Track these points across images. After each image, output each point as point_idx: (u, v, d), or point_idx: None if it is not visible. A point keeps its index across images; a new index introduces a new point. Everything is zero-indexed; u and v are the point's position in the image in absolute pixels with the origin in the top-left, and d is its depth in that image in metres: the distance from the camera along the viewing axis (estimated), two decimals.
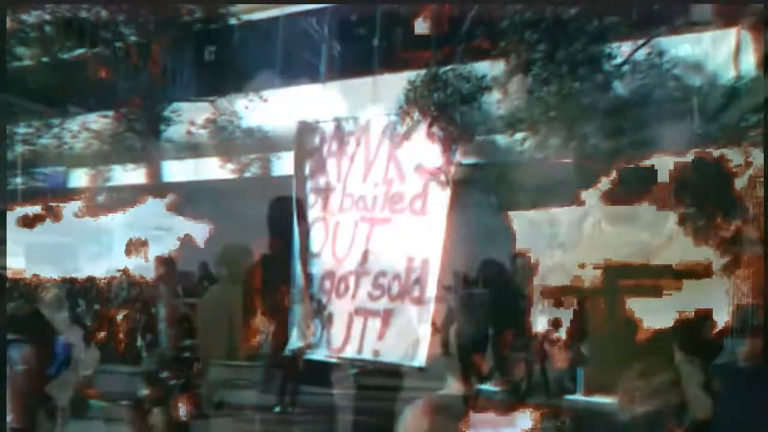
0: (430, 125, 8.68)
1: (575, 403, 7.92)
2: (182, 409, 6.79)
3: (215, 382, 9.20)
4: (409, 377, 7.29)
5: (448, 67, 9.19)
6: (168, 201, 10.02)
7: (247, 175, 11.97)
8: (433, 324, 7.96)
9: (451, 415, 3.66)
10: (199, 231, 9.59)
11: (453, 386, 3.80)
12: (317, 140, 9.51)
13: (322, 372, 10.41)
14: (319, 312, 8.86)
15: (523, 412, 3.57)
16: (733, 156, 6.96)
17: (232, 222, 10.53)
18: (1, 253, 8.73)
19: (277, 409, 9.80)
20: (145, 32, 12.62)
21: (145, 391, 6.98)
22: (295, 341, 9.26)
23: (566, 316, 8.19)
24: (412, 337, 7.98)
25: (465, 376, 3.73)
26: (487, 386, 4.07)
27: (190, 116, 12.48)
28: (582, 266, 7.44)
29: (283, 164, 11.21)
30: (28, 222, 10.44)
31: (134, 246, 9.84)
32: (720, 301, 6.93)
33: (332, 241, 9.04)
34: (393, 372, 8.28)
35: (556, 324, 8.22)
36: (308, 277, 9.14)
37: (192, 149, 12.54)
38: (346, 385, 9.95)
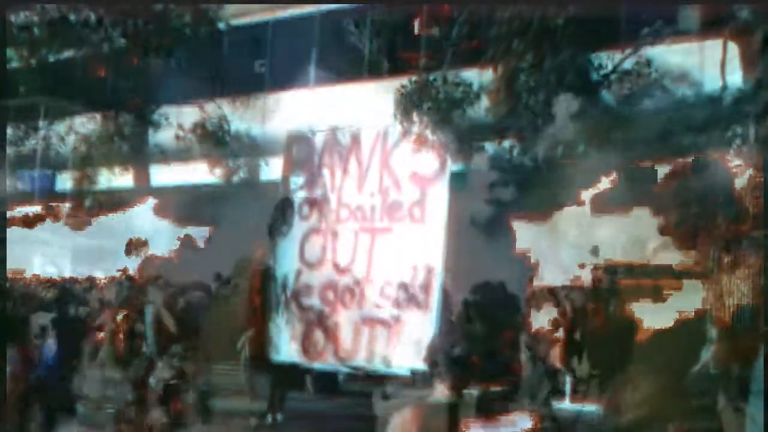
0: (423, 132, 8.72)
1: (564, 410, 7.94)
2: (169, 415, 6.78)
3: (205, 388, 9.16)
4: (410, 383, 7.33)
5: (439, 74, 9.24)
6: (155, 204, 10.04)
7: (236, 179, 11.95)
8: (440, 329, 8.03)
9: (440, 420, 3.69)
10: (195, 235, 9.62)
11: (442, 392, 3.83)
12: (308, 150, 9.51)
13: (312, 379, 10.42)
14: (321, 322, 8.87)
15: (523, 413, 3.60)
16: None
17: (220, 227, 10.53)
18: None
19: (268, 417, 9.76)
20: (134, 35, 12.58)
21: (131, 396, 6.97)
22: (285, 350, 9.25)
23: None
24: (421, 344, 8.03)
25: (457, 381, 3.76)
26: (478, 390, 4.10)
27: (179, 120, 12.46)
28: (582, 266, 7.51)
29: (272, 170, 11.19)
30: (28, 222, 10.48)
31: (134, 246, 9.83)
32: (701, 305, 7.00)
33: (332, 251, 9.05)
34: (383, 377, 8.31)
35: (556, 324, 8.26)
36: (307, 288, 9.14)
37: (180, 153, 12.51)
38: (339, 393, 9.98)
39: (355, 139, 9.12)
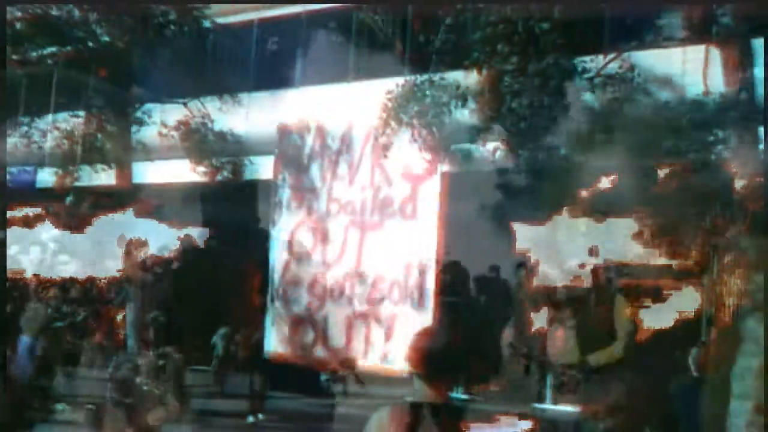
0: (411, 134, 8.75)
1: (552, 411, 7.97)
2: (153, 416, 6.75)
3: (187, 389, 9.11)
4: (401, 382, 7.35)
5: (426, 77, 9.25)
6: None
7: (220, 178, 11.91)
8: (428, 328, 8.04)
9: (421, 421, 3.68)
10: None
11: (425, 393, 3.82)
12: (298, 144, 9.53)
13: (293, 378, 10.42)
14: (311, 317, 8.88)
15: (512, 415, 3.60)
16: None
17: (206, 225, 10.50)
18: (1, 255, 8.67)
19: (250, 418, 9.72)
20: (118, 32, 12.52)
21: (114, 396, 6.92)
22: (272, 346, 9.24)
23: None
24: None
25: (444, 381, 3.76)
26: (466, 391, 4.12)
27: (162, 118, 12.40)
28: (582, 266, 7.54)
29: (258, 168, 11.17)
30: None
31: (134, 246, 9.80)
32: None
33: (321, 246, 9.07)
34: (366, 377, 8.34)
35: (553, 324, 8.29)
36: (295, 282, 9.15)
37: (164, 151, 12.45)
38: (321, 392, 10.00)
39: (345, 135, 9.14)
